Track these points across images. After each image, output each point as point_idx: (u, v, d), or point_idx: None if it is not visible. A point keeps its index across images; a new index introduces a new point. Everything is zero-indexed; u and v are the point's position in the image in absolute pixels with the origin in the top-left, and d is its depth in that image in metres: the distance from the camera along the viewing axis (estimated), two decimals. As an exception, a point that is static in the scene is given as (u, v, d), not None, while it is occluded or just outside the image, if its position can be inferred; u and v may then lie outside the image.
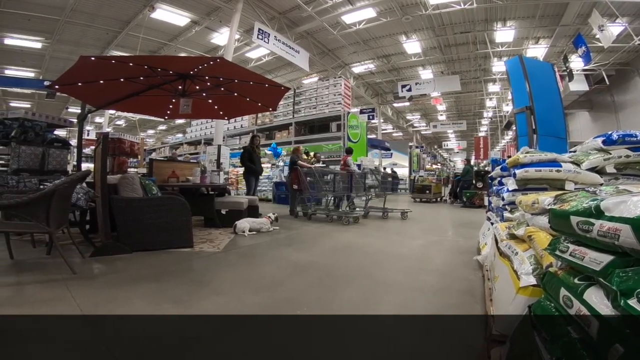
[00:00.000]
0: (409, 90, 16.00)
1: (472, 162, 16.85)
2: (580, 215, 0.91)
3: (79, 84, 4.57)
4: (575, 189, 2.55)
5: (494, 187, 3.66)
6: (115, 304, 2.26)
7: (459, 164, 35.42)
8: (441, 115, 25.84)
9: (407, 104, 21.78)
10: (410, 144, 23.35)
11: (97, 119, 22.98)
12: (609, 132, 2.63)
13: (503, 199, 2.87)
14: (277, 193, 10.27)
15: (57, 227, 3.07)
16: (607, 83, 13.46)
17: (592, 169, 2.59)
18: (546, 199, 1.62)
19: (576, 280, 0.88)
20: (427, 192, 11.79)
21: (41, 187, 4.76)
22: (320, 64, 15.68)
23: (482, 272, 2.96)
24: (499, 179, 3.48)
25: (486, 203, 4.21)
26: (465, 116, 25.85)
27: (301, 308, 2.27)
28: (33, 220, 2.88)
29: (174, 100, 5.81)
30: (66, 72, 3.96)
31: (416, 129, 30.56)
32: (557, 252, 1.03)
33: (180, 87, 5.29)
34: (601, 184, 2.55)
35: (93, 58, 3.62)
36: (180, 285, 2.71)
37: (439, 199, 12.54)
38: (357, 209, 7.24)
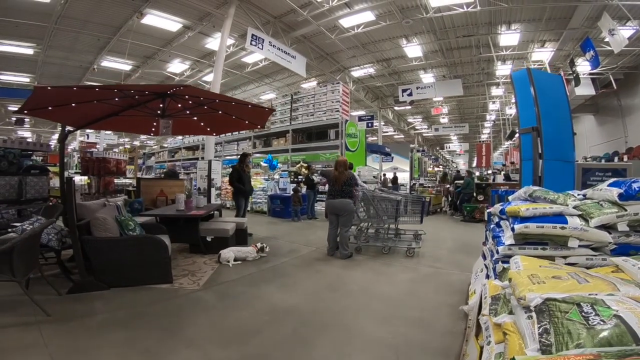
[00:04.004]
0: (410, 94, 15.55)
1: (474, 167, 16.37)
2: None
3: (50, 108, 4.29)
4: (579, 246, 2.28)
5: (491, 225, 3.30)
6: (85, 356, 2.29)
7: (461, 165, 35.09)
8: (443, 118, 25.36)
9: (409, 107, 21.35)
10: (411, 146, 22.95)
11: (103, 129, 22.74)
12: (628, 181, 2.27)
13: (497, 252, 2.53)
14: (272, 206, 9.97)
15: (24, 276, 2.98)
16: (615, 87, 12.97)
17: (601, 225, 2.25)
18: (535, 297, 1.35)
19: None
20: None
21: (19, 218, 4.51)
22: (319, 68, 15.31)
23: (466, 325, 2.72)
24: (497, 219, 3.12)
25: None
26: (468, 119, 25.35)
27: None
28: (-3, 273, 2.83)
29: (157, 118, 5.53)
30: (29, 99, 3.67)
31: (418, 132, 30.09)
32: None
33: (161, 105, 5.02)
34: (609, 243, 2.24)
35: (50, 88, 3.35)
36: (152, 333, 2.68)
37: (438, 210, 12.18)
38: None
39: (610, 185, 2.39)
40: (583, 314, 1.11)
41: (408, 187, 15.37)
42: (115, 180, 6.56)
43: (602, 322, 1.02)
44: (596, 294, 1.35)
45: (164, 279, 3.86)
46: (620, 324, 0.98)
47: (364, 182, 8.50)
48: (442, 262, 5.06)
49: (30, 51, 12.80)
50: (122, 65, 14.53)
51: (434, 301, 3.50)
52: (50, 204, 5.07)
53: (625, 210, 2.20)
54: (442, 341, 2.62)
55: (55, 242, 3.66)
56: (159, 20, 11.07)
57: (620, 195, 2.21)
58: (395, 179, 17.01)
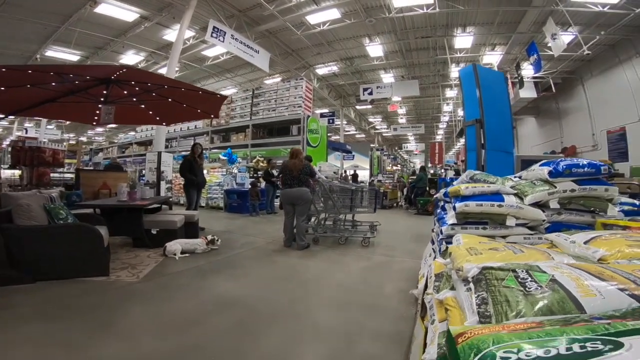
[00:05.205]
0: (371, 93, 15.88)
1: (430, 166, 17.00)
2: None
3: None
4: (516, 224, 2.39)
5: (438, 210, 3.39)
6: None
7: (418, 165, 36.46)
8: (401, 118, 26.15)
9: (370, 106, 21.78)
10: (371, 145, 23.43)
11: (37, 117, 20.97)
12: (556, 161, 2.42)
13: (442, 232, 2.59)
14: (228, 201, 9.67)
15: None
16: (554, 91, 14.04)
17: (535, 203, 2.38)
18: (472, 267, 1.28)
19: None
20: (384, 198, 11.74)
21: None
22: (283, 65, 15.13)
23: (416, 309, 2.70)
24: (442, 203, 3.21)
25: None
26: (424, 120, 26.32)
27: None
28: None
29: (100, 106, 5.15)
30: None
31: (378, 131, 30.77)
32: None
33: (104, 92, 4.69)
34: (543, 220, 2.38)
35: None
36: (78, 325, 2.44)
37: (395, 205, 12.53)
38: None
39: (541, 165, 2.53)
40: (519, 279, 1.04)
41: (367, 183, 15.75)
42: (52, 174, 6.01)
43: (539, 288, 0.94)
44: (532, 262, 1.30)
45: (100, 272, 3.56)
46: (559, 289, 0.92)
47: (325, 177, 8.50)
48: (396, 251, 5.15)
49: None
50: (69, 55, 13.48)
51: (387, 288, 3.51)
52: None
53: (555, 187, 2.34)
54: (394, 326, 2.60)
55: (-30, 231, 3.28)
56: (114, 9, 10.37)
57: (550, 173, 2.35)
58: (355, 176, 17.33)
